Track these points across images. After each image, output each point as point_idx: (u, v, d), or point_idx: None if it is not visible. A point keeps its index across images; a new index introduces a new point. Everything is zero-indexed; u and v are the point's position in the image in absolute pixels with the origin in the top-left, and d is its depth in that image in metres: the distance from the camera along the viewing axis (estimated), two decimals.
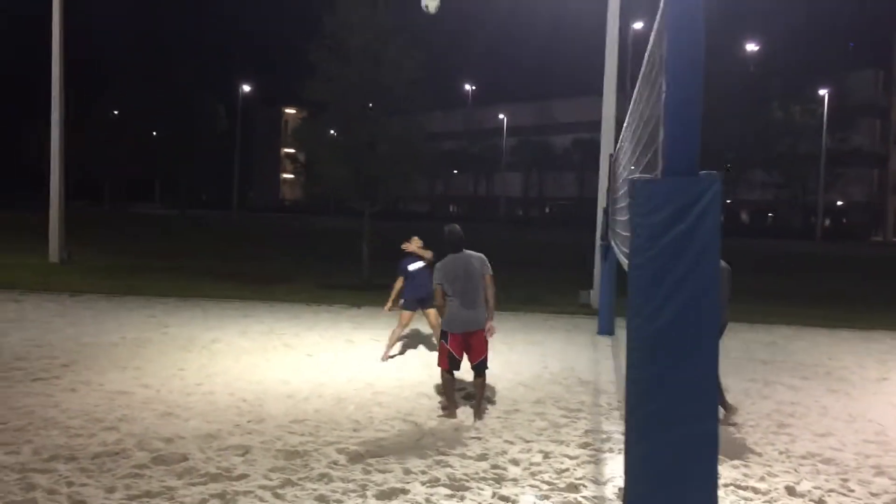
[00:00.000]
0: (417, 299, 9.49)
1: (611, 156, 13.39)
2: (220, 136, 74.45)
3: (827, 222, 60.24)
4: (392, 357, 9.97)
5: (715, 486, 2.77)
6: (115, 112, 77.57)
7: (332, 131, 18.92)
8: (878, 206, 63.52)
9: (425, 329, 11.78)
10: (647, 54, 3.85)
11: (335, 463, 5.86)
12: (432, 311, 9.38)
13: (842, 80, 57.94)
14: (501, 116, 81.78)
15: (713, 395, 2.77)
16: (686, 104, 2.69)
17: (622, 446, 6.25)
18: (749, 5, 51.67)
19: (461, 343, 7.21)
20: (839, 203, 63.16)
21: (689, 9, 2.65)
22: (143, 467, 5.61)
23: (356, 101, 17.37)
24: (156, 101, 71.20)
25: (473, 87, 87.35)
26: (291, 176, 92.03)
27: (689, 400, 2.70)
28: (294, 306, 14.47)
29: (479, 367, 7.30)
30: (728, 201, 62.84)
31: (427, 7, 10.65)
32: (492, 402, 7.83)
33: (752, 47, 57.90)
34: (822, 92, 55.94)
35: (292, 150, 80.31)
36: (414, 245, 9.58)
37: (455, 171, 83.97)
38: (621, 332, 12.18)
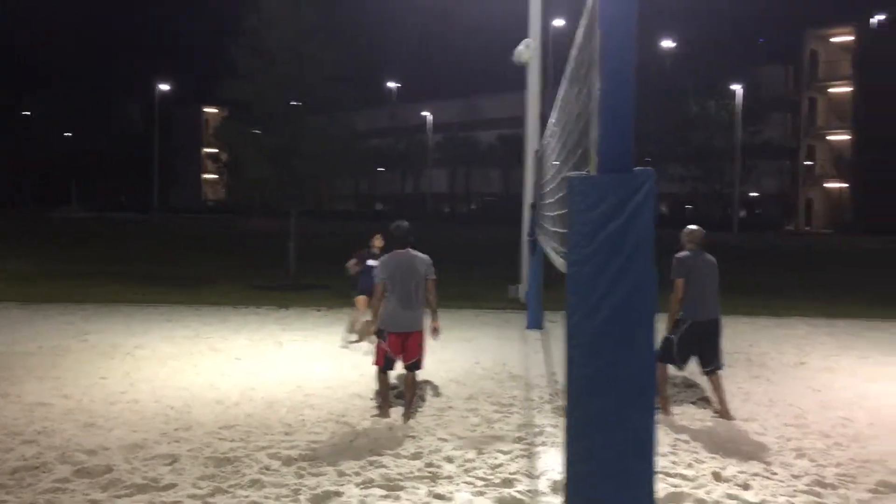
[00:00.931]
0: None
1: (536, 152, 13.52)
2: (138, 137, 72.56)
3: (743, 214, 62.09)
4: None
5: (653, 480, 2.82)
6: (27, 113, 74.81)
7: (255, 130, 18.62)
8: (790, 197, 65.82)
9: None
10: (574, 52, 3.89)
11: (267, 468, 5.76)
12: (361, 298, 10.02)
13: (754, 76, 59.80)
14: (426, 113, 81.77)
15: (651, 391, 2.82)
16: (619, 101, 2.72)
17: (555, 440, 6.37)
18: (664, 3, 52.86)
19: (398, 343, 7.18)
20: (754, 195, 65.21)
21: (623, 8, 2.68)
22: (66, 481, 5.41)
23: (279, 100, 17.13)
24: (69, 102, 68.92)
25: (399, 85, 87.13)
26: (214, 176, 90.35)
27: (629, 395, 2.74)
28: (221, 309, 14.18)
29: (412, 368, 7.30)
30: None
31: (521, 55, 11.78)
32: (425, 400, 7.82)
33: (668, 44, 59.29)
34: (735, 87, 57.64)
35: (214, 150, 78.83)
36: (377, 242, 9.94)
37: (381, 169, 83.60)
38: (551, 327, 12.34)
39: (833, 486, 5.55)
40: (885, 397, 8.28)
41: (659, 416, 7.19)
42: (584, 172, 3.11)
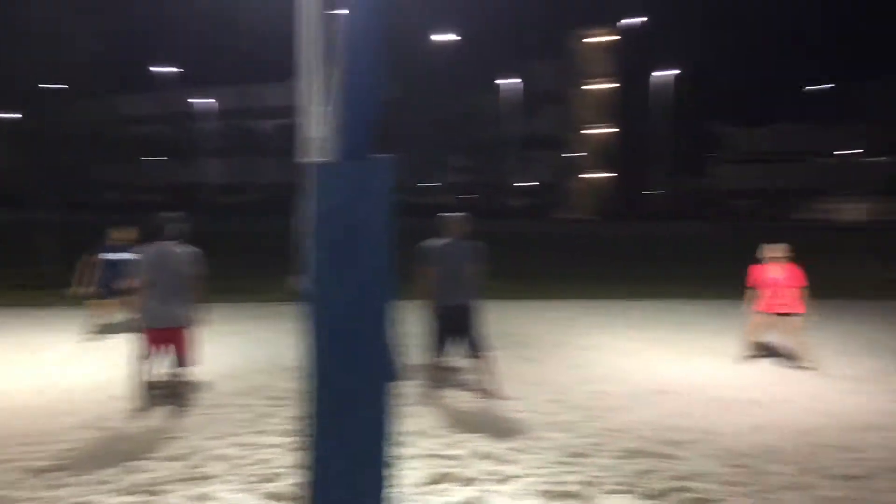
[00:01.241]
0: (105, 285, 9.08)
1: (310, 140, 13.37)
2: None
3: (518, 203, 65.29)
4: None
5: (390, 465, 2.86)
6: None
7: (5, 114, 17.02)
8: (559, 186, 69.95)
9: (122, 325, 11.08)
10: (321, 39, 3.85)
11: (11, 482, 5.29)
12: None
13: (525, 71, 62.99)
14: (202, 100, 78.62)
15: (386, 380, 2.85)
16: (359, 88, 2.71)
17: None
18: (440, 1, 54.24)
19: (157, 338, 6.87)
20: (530, 184, 68.72)
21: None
22: None
23: (30, 81, 15.75)
24: None
25: (176, 70, 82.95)
26: None
27: (366, 382, 2.75)
28: None
29: (180, 364, 7.02)
30: (431, 184, 65.90)
31: None
32: (195, 397, 7.51)
33: (449, 38, 60.87)
34: (504, 81, 60.59)
35: None
36: (125, 235, 9.21)
37: (147, 158, 79.12)
38: None
39: (584, 455, 5.96)
40: (636, 371, 9.01)
41: (421, 399, 7.41)
42: (325, 159, 3.09)
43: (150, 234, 6.99)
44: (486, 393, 7.70)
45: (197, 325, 7.12)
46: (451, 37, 60.62)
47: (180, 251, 6.95)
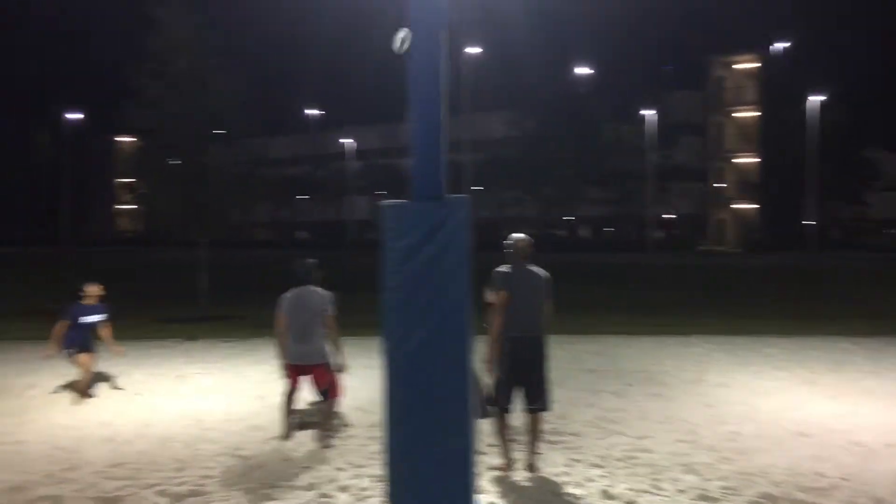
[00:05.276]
0: (82, 343, 9.15)
1: None
2: (47, 167, 70.36)
3: (660, 235, 63.80)
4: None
5: (471, 499, 2.86)
6: None
7: (165, 159, 18.27)
8: (701, 217, 67.86)
9: (255, 360, 11.60)
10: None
11: None
12: (86, 358, 9.18)
13: (664, 102, 61.76)
14: (346, 140, 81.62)
15: (466, 413, 2.86)
16: (429, 130, 2.79)
17: None
18: (577, 34, 54.22)
19: (297, 374, 7.37)
20: (668, 216, 67.05)
21: (430, 43, 2.76)
22: None
23: (183, 127, 16.86)
24: None
25: (319, 112, 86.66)
26: (130, 207, 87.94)
27: (444, 419, 2.78)
28: (122, 343, 13.73)
29: (321, 398, 7.46)
30: (572, 218, 65.56)
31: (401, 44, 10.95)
32: (332, 430, 7.73)
33: (582, 71, 60.60)
34: (646, 112, 59.49)
35: (127, 180, 76.83)
36: (92, 291, 9.28)
37: (300, 197, 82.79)
38: None
39: (716, 500, 5.72)
40: (774, 412, 8.57)
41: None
42: (397, 200, 3.16)
43: (291, 279, 7.43)
44: (531, 467, 6.50)
45: (334, 362, 7.40)
46: (587, 70, 60.38)
47: (316, 294, 7.39)
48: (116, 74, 18.40)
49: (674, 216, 67.19)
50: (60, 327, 9.02)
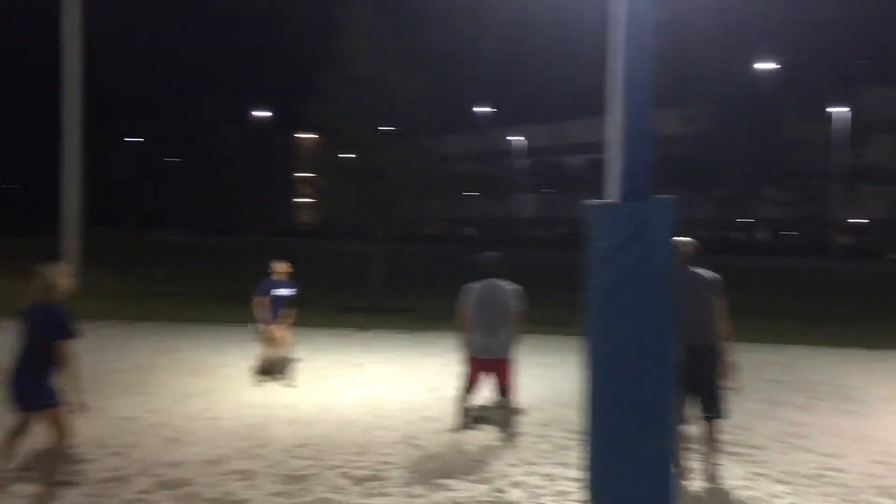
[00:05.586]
0: (273, 318, 9.62)
1: None
2: (234, 163, 75.25)
3: (847, 240, 59.86)
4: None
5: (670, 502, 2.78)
6: (133, 139, 78.59)
7: (342, 155, 19.06)
8: (894, 223, 63.00)
9: (427, 352, 11.86)
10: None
11: (336, 487, 5.89)
12: (280, 331, 9.63)
13: (856, 98, 57.74)
14: (515, 137, 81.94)
15: (668, 416, 2.78)
16: (637, 130, 2.73)
17: None
18: (760, 28, 51.62)
19: (479, 368, 7.22)
20: (857, 221, 62.71)
21: (639, 42, 2.70)
22: (146, 492, 5.67)
23: (365, 125, 17.50)
24: (170, 129, 72.11)
25: (490, 109, 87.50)
26: (306, 200, 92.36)
27: (644, 421, 2.72)
28: (304, 330, 14.41)
29: (499, 393, 7.33)
30: (751, 220, 62.63)
31: None
32: (495, 425, 7.79)
33: (765, 66, 57.72)
34: (834, 109, 55.86)
35: (306, 175, 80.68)
36: (281, 268, 9.69)
37: (470, 194, 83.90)
38: None
39: None
40: None
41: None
42: (602, 200, 3.11)
43: (477, 272, 7.35)
44: (711, 477, 6.22)
45: (516, 358, 7.36)
46: (771, 65, 57.42)
47: (504, 287, 7.27)
48: (301, 74, 19.33)
49: (864, 221, 62.78)
50: (258, 303, 9.64)
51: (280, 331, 9.71)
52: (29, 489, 5.59)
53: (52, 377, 5.43)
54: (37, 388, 5.41)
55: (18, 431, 5.66)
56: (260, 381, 9.52)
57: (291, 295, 9.85)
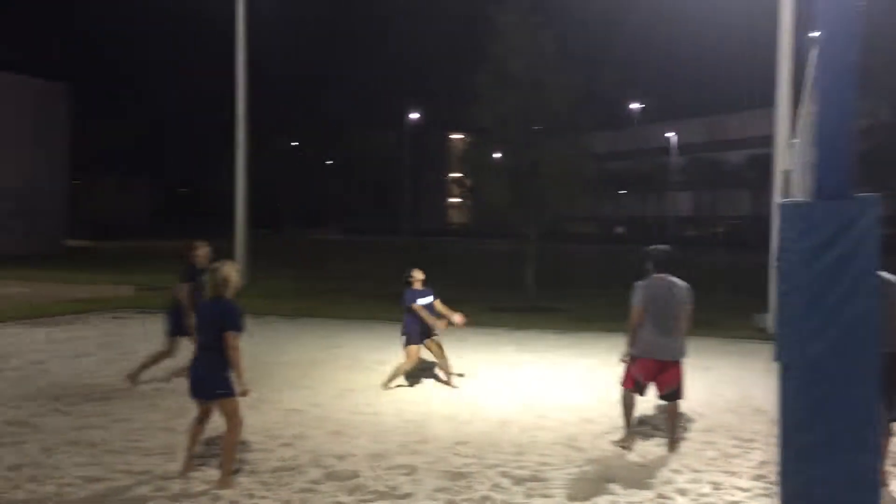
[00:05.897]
0: (421, 332, 9.25)
1: (784, 172, 12.73)
2: (390, 164, 77.42)
3: None
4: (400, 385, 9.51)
5: None
6: (293, 143, 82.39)
7: (495, 154, 19.16)
8: None
9: (580, 352, 11.71)
10: (807, 71, 3.68)
11: (498, 486, 5.91)
12: (413, 349, 9.25)
13: None
14: (669, 134, 79.79)
15: (873, 426, 2.59)
16: (837, 125, 2.55)
17: None
18: None
19: (649, 369, 6.89)
20: None
21: (842, 30, 2.53)
22: (317, 482, 5.90)
23: (519, 125, 17.51)
24: (325, 133, 75.10)
25: (640, 106, 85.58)
26: (458, 200, 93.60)
27: (847, 430, 2.54)
28: (459, 329, 14.59)
29: (670, 398, 6.99)
30: None
31: None
32: (659, 430, 7.58)
33: None
34: None
35: (458, 175, 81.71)
36: (419, 276, 9.38)
37: (621, 192, 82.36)
38: None
39: None
40: None
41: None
42: (797, 199, 2.93)
43: (646, 266, 7.06)
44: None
45: (685, 359, 7.03)
46: None
47: (676, 285, 6.92)
48: (456, 78, 19.54)
49: None
50: (411, 313, 9.31)
51: (431, 344, 9.48)
52: (211, 475, 5.95)
53: (227, 368, 5.79)
54: (213, 378, 5.79)
55: (201, 420, 6.07)
56: (390, 387, 9.32)
57: (433, 302, 9.64)
